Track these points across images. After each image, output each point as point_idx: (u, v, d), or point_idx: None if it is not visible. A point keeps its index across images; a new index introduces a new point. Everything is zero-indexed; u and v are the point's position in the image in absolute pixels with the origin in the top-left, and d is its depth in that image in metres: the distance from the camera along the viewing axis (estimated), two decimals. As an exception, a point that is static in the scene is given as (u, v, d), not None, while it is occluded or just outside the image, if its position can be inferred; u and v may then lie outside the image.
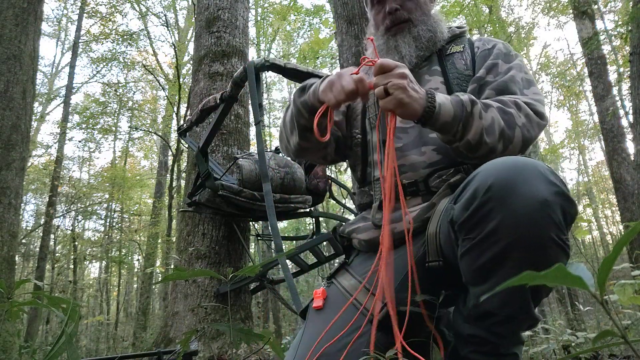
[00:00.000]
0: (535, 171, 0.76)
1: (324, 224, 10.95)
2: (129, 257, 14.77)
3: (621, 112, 7.39)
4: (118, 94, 12.44)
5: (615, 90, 7.57)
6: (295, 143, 1.18)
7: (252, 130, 3.83)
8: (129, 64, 12.93)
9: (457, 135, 0.96)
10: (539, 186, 0.75)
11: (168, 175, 10.77)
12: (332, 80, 1.01)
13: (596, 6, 8.86)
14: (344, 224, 1.24)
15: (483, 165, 0.82)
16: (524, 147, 1.00)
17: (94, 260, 13.77)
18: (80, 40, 11.49)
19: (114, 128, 13.84)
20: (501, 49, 1.16)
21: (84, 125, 12.06)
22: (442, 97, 0.95)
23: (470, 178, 0.83)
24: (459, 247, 0.84)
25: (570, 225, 0.80)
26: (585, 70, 8.21)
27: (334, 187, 3.45)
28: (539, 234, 0.74)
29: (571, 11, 8.02)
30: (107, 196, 13.15)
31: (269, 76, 13.45)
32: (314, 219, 3.32)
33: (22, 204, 4.86)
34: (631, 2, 4.87)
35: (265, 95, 13.52)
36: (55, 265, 11.82)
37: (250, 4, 5.36)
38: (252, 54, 11.92)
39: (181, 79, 9.41)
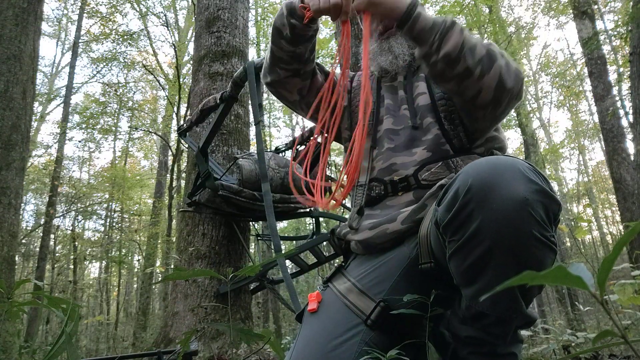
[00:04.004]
0: (515, 170, 0.77)
1: (324, 224, 10.94)
2: (129, 257, 14.77)
3: (621, 112, 7.38)
4: (118, 94, 12.44)
5: (615, 90, 7.57)
6: (268, 55, 1.19)
7: (252, 130, 3.83)
8: (129, 64, 12.93)
9: (434, 47, 0.97)
10: (519, 185, 0.75)
11: (168, 175, 10.76)
12: None
13: (596, 6, 8.86)
14: (341, 224, 1.24)
15: (465, 167, 0.83)
16: (498, 90, 0.99)
17: (94, 260, 13.77)
18: (80, 40, 11.49)
19: (114, 128, 13.84)
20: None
21: (84, 125, 12.05)
22: (425, 10, 1.00)
23: (452, 179, 0.84)
24: (446, 249, 0.84)
25: (556, 222, 0.80)
26: (585, 70, 8.21)
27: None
28: (520, 233, 0.74)
29: (571, 11, 8.02)
30: (107, 196, 13.15)
31: (269, 76, 13.41)
32: (314, 219, 3.32)
33: (22, 204, 4.86)
34: (631, 2, 4.87)
35: (265, 95, 13.51)
36: (55, 265, 11.82)
37: (250, 4, 5.35)
38: (252, 54, 11.92)
39: (181, 79, 9.40)
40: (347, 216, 3.80)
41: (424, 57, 1.00)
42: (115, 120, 13.65)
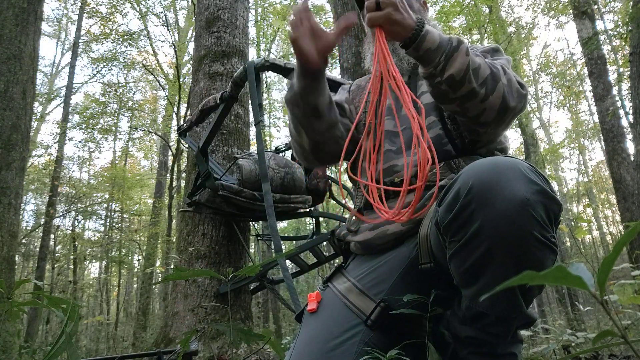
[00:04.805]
0: (515, 171, 0.77)
1: (324, 224, 10.95)
2: (129, 257, 14.77)
3: (621, 112, 7.38)
4: (118, 94, 12.45)
5: (615, 90, 7.57)
6: (306, 139, 1.16)
7: (252, 130, 3.83)
8: (129, 64, 12.93)
9: (439, 68, 0.95)
10: (519, 186, 0.75)
11: (168, 175, 10.76)
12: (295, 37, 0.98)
13: (596, 6, 8.86)
14: (342, 224, 1.24)
15: (465, 167, 0.83)
16: (501, 110, 0.98)
17: (94, 260, 13.78)
18: (80, 40, 11.49)
19: (114, 128, 13.84)
20: (491, 46, 1.18)
21: (84, 125, 12.06)
22: (431, 27, 0.96)
23: (453, 180, 0.84)
24: (447, 250, 0.84)
25: (556, 223, 0.80)
26: (585, 70, 8.21)
27: (334, 187, 3.45)
28: (520, 234, 0.74)
29: (571, 11, 8.02)
30: (107, 196, 13.15)
31: (269, 76, 13.45)
32: (314, 219, 3.32)
33: (22, 204, 4.85)
34: (631, 2, 4.87)
35: (265, 95, 13.52)
36: (55, 265, 11.81)
37: (250, 4, 5.35)
38: (252, 54, 11.92)
39: (181, 79, 9.40)
40: (347, 216, 3.81)
41: (427, 77, 0.99)
42: (115, 120, 13.67)
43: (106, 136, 13.70)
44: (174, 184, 9.41)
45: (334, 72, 13.45)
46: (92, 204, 13.23)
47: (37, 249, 10.81)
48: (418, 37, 0.94)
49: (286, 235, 10.66)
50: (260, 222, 3.75)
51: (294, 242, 4.30)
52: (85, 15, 11.63)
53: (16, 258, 4.22)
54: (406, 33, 0.94)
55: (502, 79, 0.98)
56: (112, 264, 13.56)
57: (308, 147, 1.17)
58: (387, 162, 1.13)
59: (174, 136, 11.65)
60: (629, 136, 6.70)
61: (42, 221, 10.37)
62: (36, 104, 12.66)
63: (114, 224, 14.56)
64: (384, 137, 1.17)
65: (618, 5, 10.46)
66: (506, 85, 0.98)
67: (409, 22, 0.94)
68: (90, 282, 15.40)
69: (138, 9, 11.58)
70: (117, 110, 13.18)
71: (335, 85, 2.36)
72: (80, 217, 13.33)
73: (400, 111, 1.18)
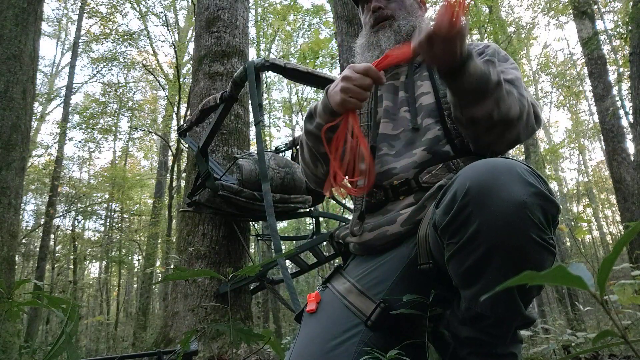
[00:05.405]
0: (513, 173, 0.76)
1: (324, 224, 10.94)
2: (129, 257, 14.77)
3: (621, 112, 7.39)
4: (118, 94, 12.45)
5: (615, 90, 7.57)
6: (322, 171, 1.18)
7: (252, 130, 3.83)
8: (129, 64, 12.94)
9: (462, 103, 0.97)
10: (517, 188, 0.75)
11: (168, 175, 10.77)
12: (344, 86, 0.99)
13: (596, 6, 8.86)
14: (341, 225, 1.24)
15: (463, 169, 0.83)
16: (511, 144, 1.03)
17: (94, 260, 13.78)
18: (80, 40, 11.49)
19: (114, 128, 13.85)
20: (495, 49, 1.17)
21: (84, 125, 12.06)
22: (478, 64, 0.93)
23: (450, 182, 0.84)
24: (445, 251, 0.84)
25: (554, 224, 0.80)
26: (585, 70, 8.21)
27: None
28: (518, 236, 0.74)
29: (571, 11, 8.02)
30: (107, 196, 13.16)
31: (269, 76, 13.45)
32: (314, 219, 3.32)
33: (22, 204, 4.85)
34: (631, 2, 4.87)
35: (265, 95, 13.52)
36: (55, 265, 11.82)
37: (250, 4, 5.36)
38: (252, 54, 11.93)
39: (181, 79, 9.40)
40: (347, 216, 3.81)
41: (452, 103, 1.00)
42: (115, 120, 13.67)
43: (106, 136, 13.70)
44: (174, 184, 9.41)
45: (334, 72, 13.45)
46: (92, 204, 13.23)
47: (37, 249, 10.81)
48: (463, 68, 0.92)
49: (286, 235, 10.66)
50: (260, 222, 3.75)
51: (294, 242, 4.30)
52: (85, 15, 11.64)
53: (16, 258, 4.22)
54: (456, 57, 0.91)
55: (523, 117, 0.99)
56: (112, 264, 13.56)
57: (324, 177, 1.19)
58: (386, 164, 1.12)
59: (174, 136, 11.66)
60: (629, 136, 6.71)
61: (42, 221, 10.37)
62: (36, 104, 12.66)
63: (114, 224, 14.56)
64: (382, 139, 1.16)
65: (618, 5, 10.46)
66: (524, 122, 1.00)
67: (463, 50, 0.91)
68: (90, 282, 15.41)
69: (138, 9, 11.59)
70: (117, 110, 13.18)
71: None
72: (80, 217, 13.34)
73: (398, 113, 1.18)
